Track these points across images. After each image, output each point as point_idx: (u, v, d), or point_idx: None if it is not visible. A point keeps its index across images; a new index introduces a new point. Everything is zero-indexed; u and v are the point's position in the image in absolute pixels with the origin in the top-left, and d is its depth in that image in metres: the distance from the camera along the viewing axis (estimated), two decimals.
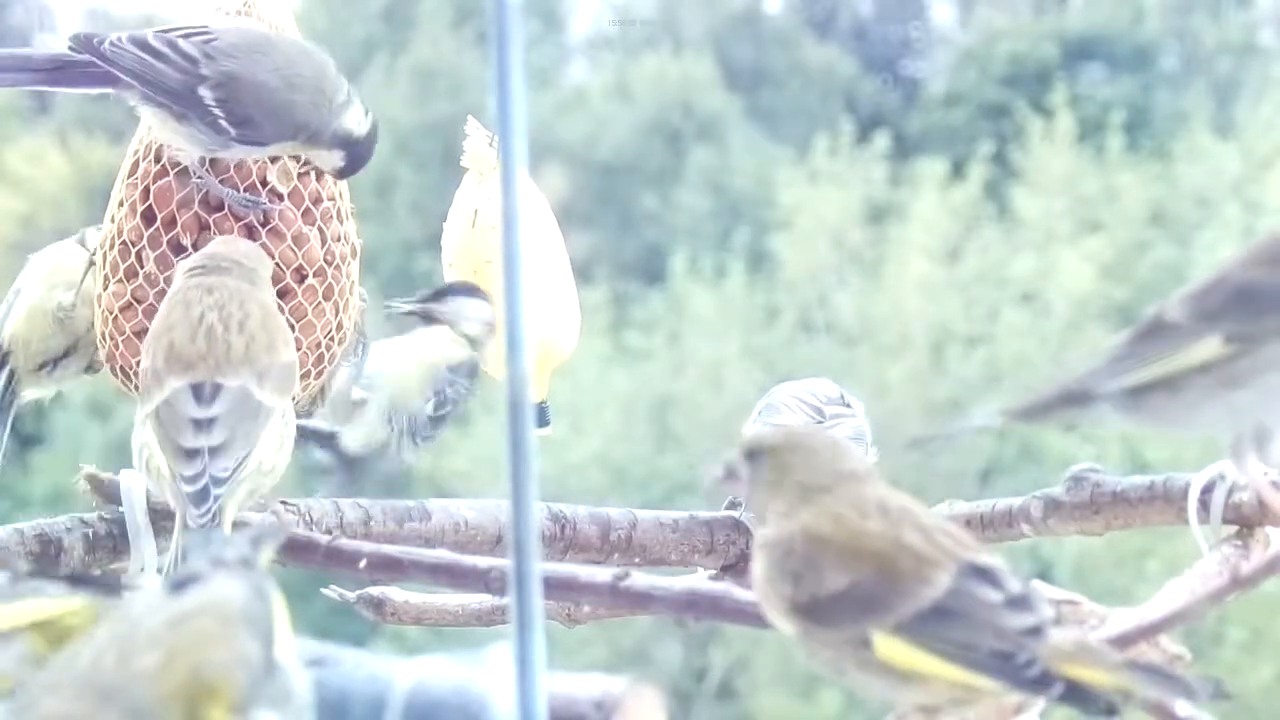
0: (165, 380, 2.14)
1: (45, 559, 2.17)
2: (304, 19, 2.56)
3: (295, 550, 2.13)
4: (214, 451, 2.08)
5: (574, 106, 19.99)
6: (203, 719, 1.35)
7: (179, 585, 1.45)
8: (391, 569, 2.08)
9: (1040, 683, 1.53)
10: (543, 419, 2.50)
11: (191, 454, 2.08)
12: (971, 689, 1.56)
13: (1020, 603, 1.57)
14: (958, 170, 17.84)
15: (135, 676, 1.34)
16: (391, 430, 2.49)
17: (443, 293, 2.57)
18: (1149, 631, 1.78)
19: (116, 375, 2.47)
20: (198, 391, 2.12)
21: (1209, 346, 1.74)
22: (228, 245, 2.28)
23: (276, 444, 2.12)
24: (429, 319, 2.55)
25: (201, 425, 2.10)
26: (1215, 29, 20.33)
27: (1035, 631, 1.56)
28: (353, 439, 2.48)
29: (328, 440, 2.50)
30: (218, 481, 2.06)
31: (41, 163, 17.86)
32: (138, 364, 2.28)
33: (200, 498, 2.06)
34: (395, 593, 2.48)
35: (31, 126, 19.19)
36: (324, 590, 2.52)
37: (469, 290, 2.56)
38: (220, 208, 2.43)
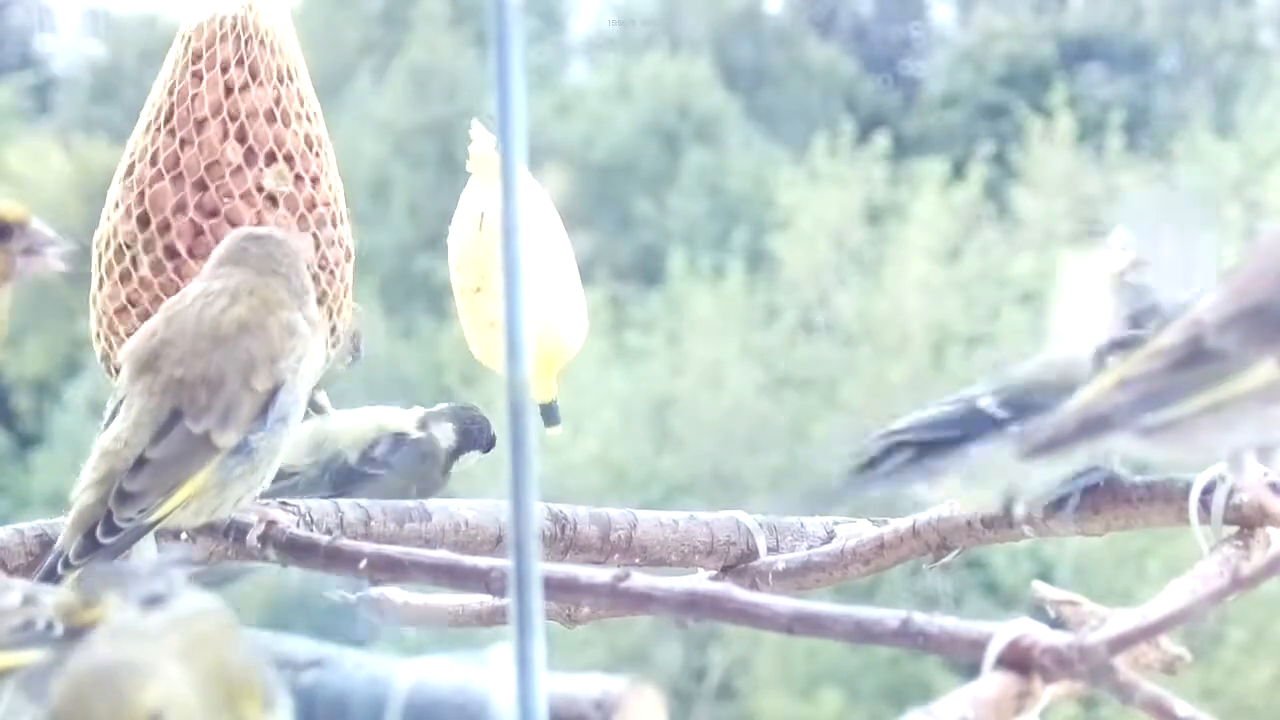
0: None
1: (45, 560, 2.17)
2: (301, 20, 2.56)
3: (296, 551, 2.13)
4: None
5: (572, 107, 19.99)
6: (241, 713, 1.37)
7: (149, 602, 1.46)
8: (392, 569, 2.07)
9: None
10: (552, 418, 2.52)
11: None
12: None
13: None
14: (958, 170, 17.84)
15: (164, 653, 1.35)
16: (311, 459, 2.52)
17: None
18: (1149, 632, 1.78)
19: (112, 375, 2.47)
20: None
21: (1263, 373, 1.73)
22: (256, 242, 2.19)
23: None
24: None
25: None
26: (1215, 29, 20.32)
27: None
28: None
29: None
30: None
31: (42, 163, 17.86)
32: None
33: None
34: (395, 593, 2.49)
35: (32, 126, 19.17)
36: (325, 594, 2.52)
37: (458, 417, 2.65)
38: (216, 214, 2.43)
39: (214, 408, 2.07)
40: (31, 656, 1.59)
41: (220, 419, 2.07)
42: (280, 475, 2.48)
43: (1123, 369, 1.79)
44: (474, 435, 2.65)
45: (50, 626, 1.60)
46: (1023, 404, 2.20)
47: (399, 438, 2.59)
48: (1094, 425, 1.77)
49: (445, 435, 2.63)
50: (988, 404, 2.21)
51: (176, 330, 2.10)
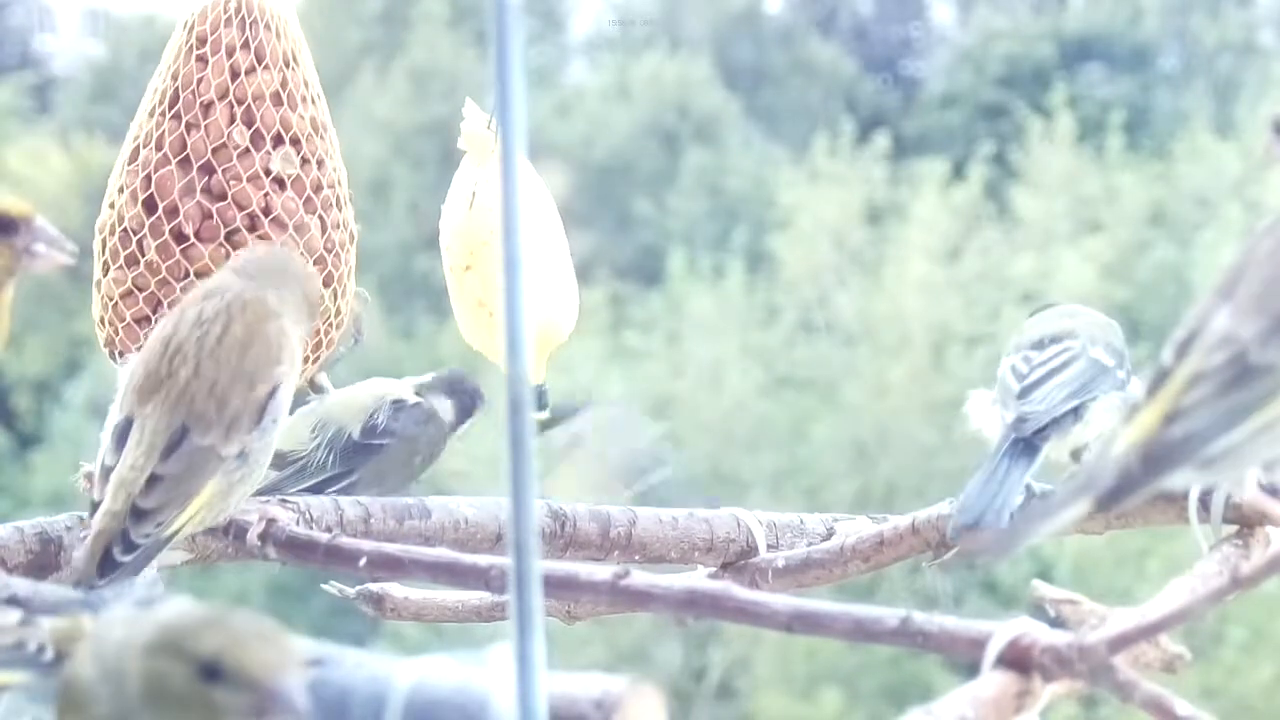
0: None
1: (45, 558, 2.18)
2: (301, 20, 2.56)
3: (295, 549, 2.14)
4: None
5: (572, 107, 20.00)
6: None
7: (144, 604, 1.48)
8: (392, 567, 2.08)
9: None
10: (540, 402, 2.52)
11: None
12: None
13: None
14: (958, 170, 17.85)
15: None
16: (315, 440, 2.51)
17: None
18: (1149, 631, 1.78)
19: (116, 360, 2.47)
20: None
21: None
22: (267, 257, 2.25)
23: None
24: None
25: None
26: (1215, 29, 20.34)
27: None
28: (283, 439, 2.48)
29: None
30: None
31: (42, 163, 17.87)
32: (136, 350, 2.28)
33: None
34: (395, 589, 2.49)
35: (32, 126, 19.18)
36: (323, 586, 2.52)
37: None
38: (224, 197, 2.43)
39: (220, 420, 2.10)
40: (17, 678, 1.60)
41: (225, 430, 2.10)
42: (285, 461, 2.48)
43: (1162, 404, 1.72)
44: (466, 403, 2.63)
45: (41, 650, 1.61)
46: (1112, 349, 2.29)
47: (398, 404, 2.58)
48: (1158, 466, 1.69)
49: (443, 407, 2.62)
50: (1100, 354, 2.29)
51: (179, 363, 2.13)
